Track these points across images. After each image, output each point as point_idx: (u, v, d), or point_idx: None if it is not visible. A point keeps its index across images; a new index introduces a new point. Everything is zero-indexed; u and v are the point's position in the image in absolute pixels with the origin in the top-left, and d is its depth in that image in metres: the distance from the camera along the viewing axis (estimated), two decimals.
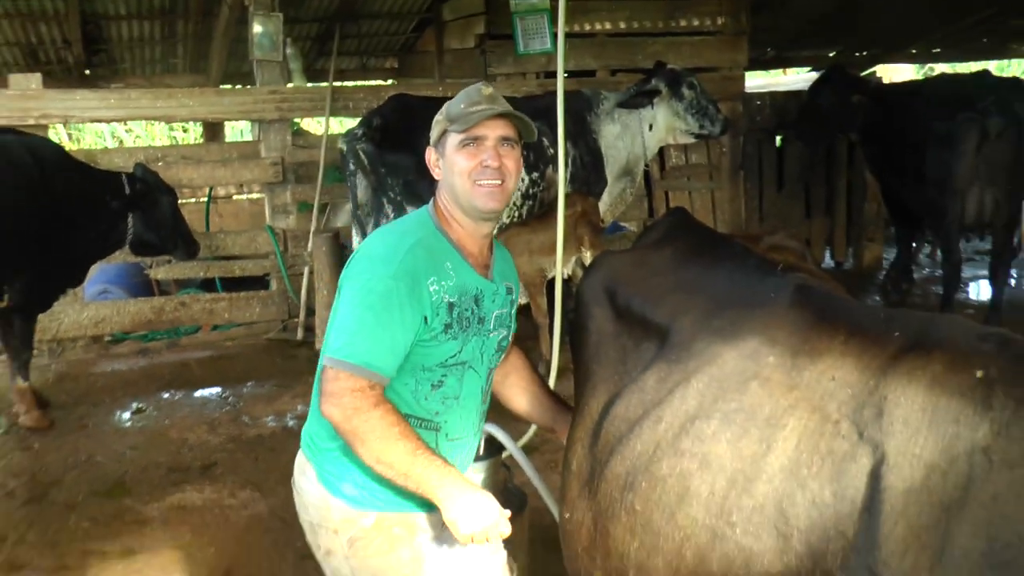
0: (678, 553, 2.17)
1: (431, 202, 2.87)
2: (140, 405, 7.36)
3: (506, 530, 2.60)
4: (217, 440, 6.62)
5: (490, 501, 2.60)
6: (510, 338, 3.06)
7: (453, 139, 2.73)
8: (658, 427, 2.33)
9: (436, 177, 2.84)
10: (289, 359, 8.59)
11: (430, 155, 2.85)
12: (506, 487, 3.51)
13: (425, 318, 2.63)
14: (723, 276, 2.59)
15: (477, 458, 3.81)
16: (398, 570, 2.77)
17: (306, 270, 9.04)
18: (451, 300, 2.68)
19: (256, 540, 5.15)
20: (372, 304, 2.58)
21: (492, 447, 3.93)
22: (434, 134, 2.81)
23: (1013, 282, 9.49)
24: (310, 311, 8.93)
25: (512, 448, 3.71)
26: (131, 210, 7.18)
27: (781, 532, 1.97)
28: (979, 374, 1.79)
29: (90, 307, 8.89)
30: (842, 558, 1.87)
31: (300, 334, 9.12)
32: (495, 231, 2.91)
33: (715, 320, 2.41)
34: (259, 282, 9.80)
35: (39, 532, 5.29)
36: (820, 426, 1.99)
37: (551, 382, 4.34)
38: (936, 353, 1.91)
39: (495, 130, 2.73)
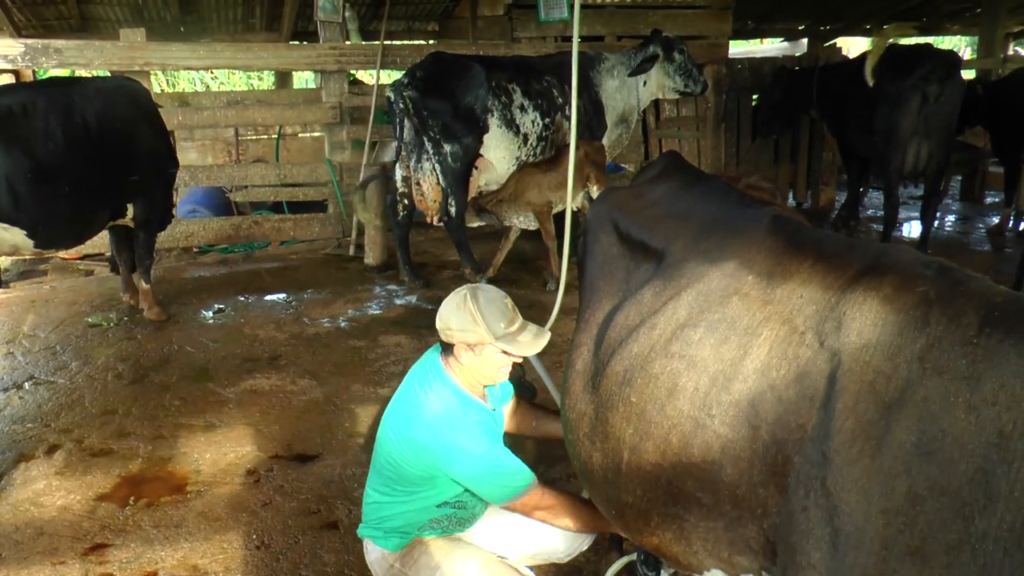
0: (666, 439, 2.16)
1: (447, 369, 2.94)
2: (221, 306, 7.38)
3: None
4: (282, 336, 6.64)
5: None
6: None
7: (494, 350, 2.83)
8: (653, 333, 2.29)
9: (461, 361, 2.88)
10: (342, 271, 8.59)
11: (460, 348, 2.85)
12: (520, 381, 3.50)
13: None
14: (710, 207, 2.55)
15: None
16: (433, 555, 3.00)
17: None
18: None
19: (312, 420, 5.18)
20: (492, 461, 2.81)
21: None
22: (470, 338, 2.81)
23: (936, 223, 9.48)
24: (360, 231, 8.93)
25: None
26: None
27: (752, 424, 1.95)
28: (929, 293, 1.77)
29: (181, 223, 8.90)
30: (800, 446, 1.85)
31: (351, 250, 9.12)
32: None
33: (703, 244, 2.37)
34: (319, 206, 9.83)
35: (141, 407, 5.35)
36: (789, 336, 1.96)
37: (559, 295, 4.31)
38: (888, 276, 1.87)
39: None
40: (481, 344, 2.81)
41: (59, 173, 5.82)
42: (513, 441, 3.17)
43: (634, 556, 2.95)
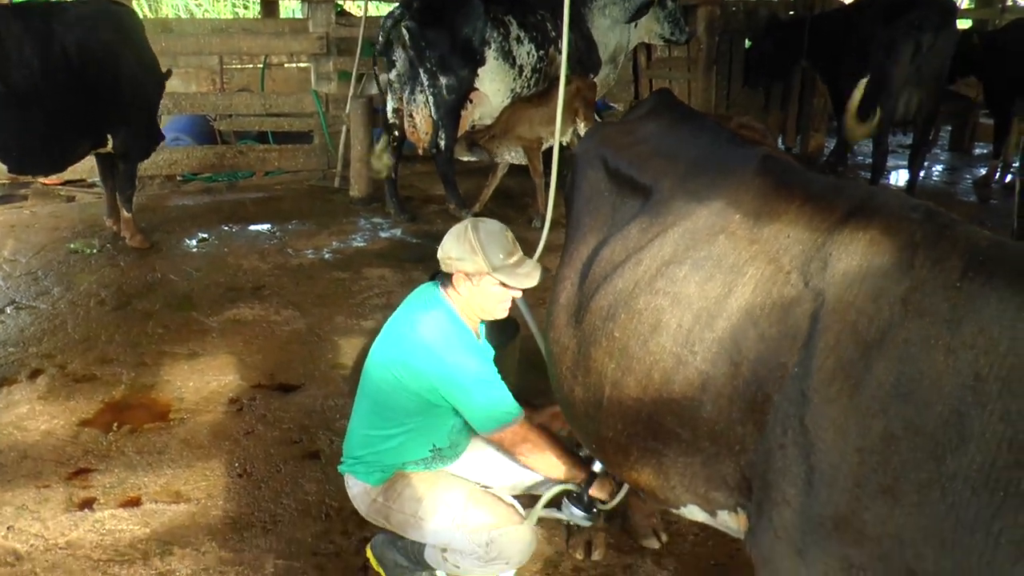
0: (647, 374, 2.17)
1: (445, 298, 2.95)
2: (204, 235, 7.34)
3: None
4: (266, 267, 6.62)
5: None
6: None
7: (492, 280, 2.85)
8: (638, 269, 2.30)
9: (459, 291, 2.91)
10: (327, 202, 8.53)
11: (459, 278, 2.88)
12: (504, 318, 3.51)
13: None
14: (700, 146, 2.53)
15: None
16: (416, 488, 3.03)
17: (343, 129, 8.92)
18: None
19: (295, 350, 5.20)
20: (484, 382, 2.84)
21: None
22: (468, 267, 2.83)
23: (923, 173, 9.53)
24: (345, 163, 8.85)
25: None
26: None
27: (734, 361, 1.97)
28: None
29: (165, 151, 8.75)
30: (780, 384, 1.87)
31: (336, 182, 9.06)
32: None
33: (692, 182, 2.36)
34: (304, 137, 9.73)
35: (124, 334, 5.34)
36: (774, 275, 1.97)
37: (544, 231, 4.30)
38: (875, 219, 1.88)
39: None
40: (479, 274, 2.83)
41: (35, 101, 5.75)
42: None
43: (571, 486, 2.96)
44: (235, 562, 3.34)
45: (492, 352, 3.11)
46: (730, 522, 2.20)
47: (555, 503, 3.01)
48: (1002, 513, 1.51)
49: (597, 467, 2.97)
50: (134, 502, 3.70)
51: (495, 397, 2.84)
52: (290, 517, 3.63)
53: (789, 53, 9.46)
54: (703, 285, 2.10)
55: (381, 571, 3.22)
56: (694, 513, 2.29)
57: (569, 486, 2.98)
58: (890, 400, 1.66)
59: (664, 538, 3.50)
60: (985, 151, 11.13)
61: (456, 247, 2.85)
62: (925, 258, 1.73)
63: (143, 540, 3.46)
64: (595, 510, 2.96)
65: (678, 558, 3.43)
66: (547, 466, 2.95)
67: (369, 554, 3.28)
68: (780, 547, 1.86)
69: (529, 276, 2.87)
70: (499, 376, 2.90)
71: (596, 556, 3.40)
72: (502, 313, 2.98)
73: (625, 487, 3.00)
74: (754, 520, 1.98)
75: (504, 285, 2.86)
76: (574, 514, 2.97)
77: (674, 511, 2.36)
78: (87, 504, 3.67)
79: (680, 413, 2.09)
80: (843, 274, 1.83)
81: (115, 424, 4.31)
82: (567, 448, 2.99)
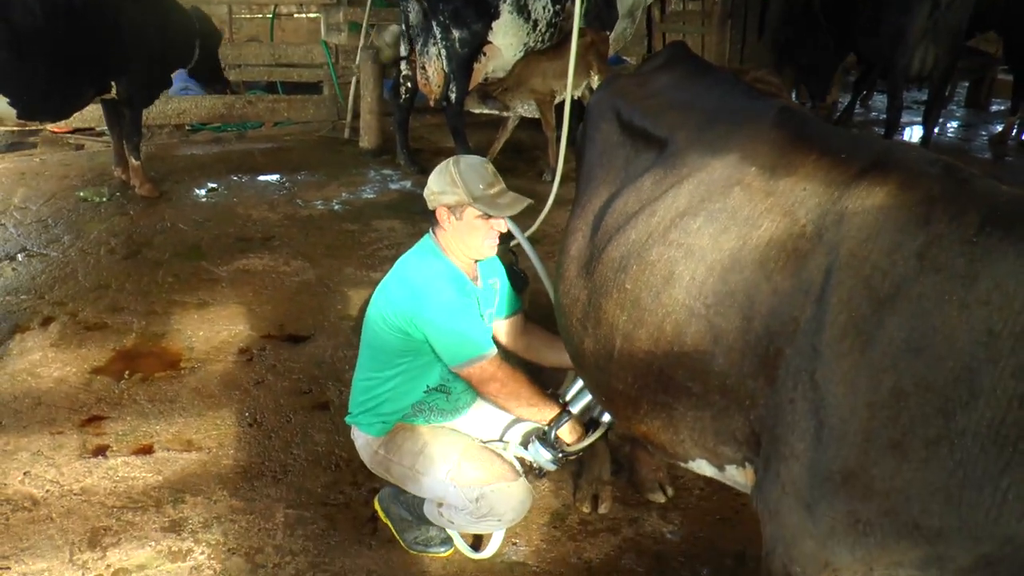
0: (659, 327, 2.16)
1: (434, 239, 2.99)
2: (213, 184, 7.33)
3: None
4: (275, 217, 6.62)
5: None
6: (495, 315, 3.25)
7: (474, 212, 2.86)
8: (652, 220, 2.28)
9: (443, 227, 2.93)
10: (336, 153, 8.50)
11: (442, 212, 2.90)
12: (512, 269, 3.51)
13: None
14: (716, 98, 2.50)
15: None
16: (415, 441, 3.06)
17: (353, 80, 8.86)
18: None
19: (304, 301, 5.22)
20: (455, 313, 2.84)
21: (502, 235, 3.90)
22: (449, 199, 2.86)
23: (938, 129, 9.44)
24: (355, 114, 8.80)
25: (519, 236, 3.68)
26: (197, 39, 7.25)
27: (746, 315, 1.96)
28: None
29: (173, 100, 8.75)
30: (792, 338, 1.86)
31: (346, 133, 9.02)
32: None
33: (707, 134, 2.33)
34: (314, 88, 9.68)
35: (134, 283, 5.37)
36: (789, 228, 1.95)
37: (555, 185, 4.28)
38: (893, 173, 1.85)
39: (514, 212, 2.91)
40: (461, 206, 2.85)
41: (40, 46, 5.73)
42: None
43: (545, 427, 2.97)
44: (246, 511, 3.39)
45: (489, 294, 3.11)
46: (737, 477, 2.21)
47: (527, 444, 3.06)
48: (1010, 469, 1.51)
49: (575, 408, 2.98)
50: (146, 450, 3.75)
51: (465, 332, 2.85)
52: (300, 467, 3.67)
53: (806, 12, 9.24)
54: (717, 237, 2.07)
55: (389, 523, 3.27)
56: (702, 467, 2.30)
57: (541, 426, 2.99)
58: (902, 355, 1.65)
59: (670, 492, 3.53)
60: (1003, 107, 10.99)
61: (438, 181, 2.88)
62: (943, 213, 1.71)
63: (156, 488, 3.50)
64: (561, 454, 2.97)
65: (684, 512, 3.46)
66: (517, 406, 2.96)
67: (376, 506, 3.33)
68: (787, 501, 1.87)
69: (510, 206, 2.87)
70: (477, 314, 2.91)
71: (602, 509, 3.44)
72: (489, 251, 2.98)
73: (593, 435, 3.01)
74: (761, 474, 1.98)
75: (485, 217, 2.86)
76: (540, 455, 2.98)
77: (682, 465, 2.37)
78: (100, 451, 3.72)
79: (691, 366, 2.09)
80: (859, 228, 1.81)
81: (127, 372, 4.34)
82: (539, 390, 2.98)
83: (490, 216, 2.87)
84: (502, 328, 3.29)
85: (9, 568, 3.04)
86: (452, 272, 2.94)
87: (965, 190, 1.74)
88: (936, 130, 9.08)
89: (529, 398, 2.93)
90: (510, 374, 2.90)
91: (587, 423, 3.04)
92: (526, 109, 7.51)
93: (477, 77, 7.36)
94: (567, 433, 2.96)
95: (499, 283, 3.21)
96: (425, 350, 2.92)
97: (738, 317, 1.98)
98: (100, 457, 3.68)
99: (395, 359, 2.97)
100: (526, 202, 2.94)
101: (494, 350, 2.89)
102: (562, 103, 7.09)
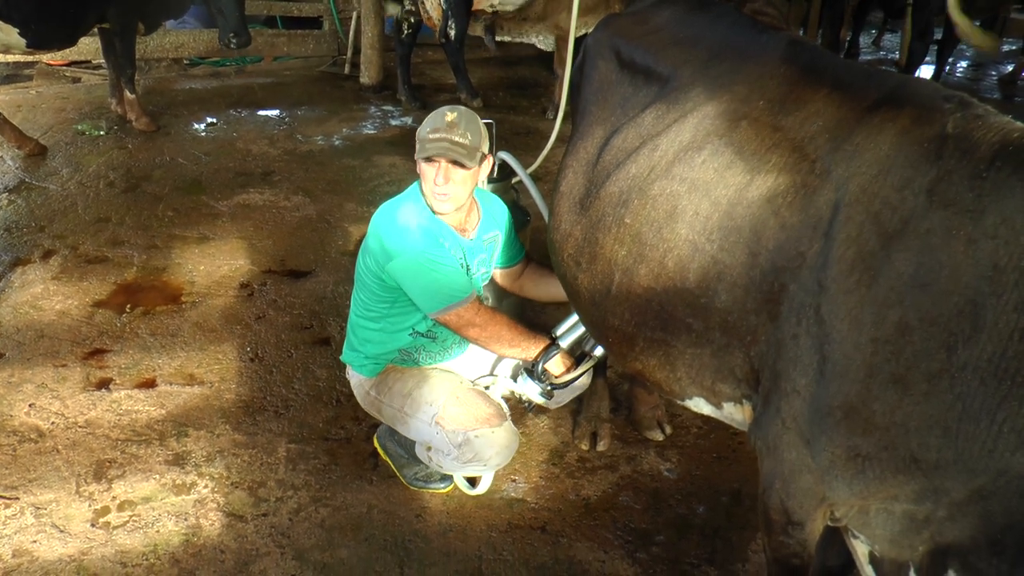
0: (661, 262, 2.15)
1: (418, 187, 2.92)
2: (212, 119, 7.27)
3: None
4: (275, 152, 6.57)
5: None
6: (491, 273, 3.24)
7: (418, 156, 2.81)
8: (654, 154, 2.25)
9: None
10: (337, 89, 8.41)
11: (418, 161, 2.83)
12: (514, 205, 3.49)
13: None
14: (720, 32, 2.44)
15: (491, 180, 3.78)
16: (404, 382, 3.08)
17: (355, 15, 8.73)
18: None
19: (305, 236, 5.21)
20: (423, 261, 2.77)
21: (504, 172, 3.88)
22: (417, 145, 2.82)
23: (947, 67, 9.36)
24: (356, 50, 8.68)
25: (521, 173, 3.67)
26: None
27: (752, 251, 1.94)
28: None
29: (171, 33, 8.61)
30: (797, 274, 1.85)
31: (347, 69, 8.91)
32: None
33: (713, 68, 2.28)
34: (314, 22, 9.53)
35: (134, 217, 5.35)
36: (798, 163, 1.92)
37: (558, 120, 4.24)
38: (906, 108, 1.82)
39: (444, 158, 2.75)
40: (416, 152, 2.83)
41: None
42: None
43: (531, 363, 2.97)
44: (248, 445, 3.42)
45: (478, 246, 3.04)
46: (735, 414, 2.21)
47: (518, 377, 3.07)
48: (1007, 402, 1.52)
49: (565, 343, 2.98)
50: (149, 383, 3.77)
51: (436, 279, 2.80)
52: (301, 402, 3.70)
53: None
54: (723, 172, 2.05)
55: (388, 460, 3.30)
56: (699, 405, 2.30)
57: (523, 358, 2.99)
58: (907, 291, 1.65)
59: (668, 430, 3.57)
60: (1014, 47, 10.84)
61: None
62: (955, 148, 1.69)
63: (159, 421, 3.54)
64: (550, 386, 2.98)
65: (681, 450, 3.49)
66: (500, 348, 2.96)
67: (376, 443, 3.36)
68: (787, 436, 1.88)
69: (435, 149, 2.73)
70: (451, 260, 2.84)
71: (601, 447, 3.47)
72: (436, 202, 2.83)
73: (581, 367, 3.01)
74: (760, 411, 1.99)
75: (427, 162, 2.77)
76: (528, 388, 3.00)
77: (679, 403, 2.38)
78: (104, 384, 3.75)
79: (693, 303, 2.08)
80: (869, 164, 1.79)
81: (128, 306, 4.36)
82: (523, 329, 2.95)
83: (430, 160, 2.76)
84: (503, 275, 3.29)
85: (18, 498, 3.08)
86: (427, 219, 2.85)
87: (979, 125, 1.71)
88: (946, 68, 8.98)
89: (511, 339, 2.91)
90: (489, 317, 2.88)
91: (579, 356, 3.04)
92: (539, 41, 7.37)
93: (481, 3, 7.18)
94: (555, 365, 2.96)
95: (500, 237, 3.16)
96: (403, 297, 2.91)
97: (744, 252, 1.96)
98: (104, 390, 3.71)
99: (377, 304, 2.97)
100: (458, 151, 2.74)
101: (471, 296, 2.85)
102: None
